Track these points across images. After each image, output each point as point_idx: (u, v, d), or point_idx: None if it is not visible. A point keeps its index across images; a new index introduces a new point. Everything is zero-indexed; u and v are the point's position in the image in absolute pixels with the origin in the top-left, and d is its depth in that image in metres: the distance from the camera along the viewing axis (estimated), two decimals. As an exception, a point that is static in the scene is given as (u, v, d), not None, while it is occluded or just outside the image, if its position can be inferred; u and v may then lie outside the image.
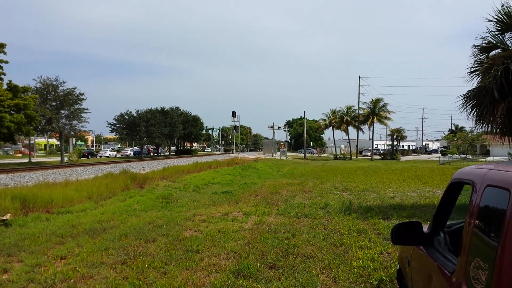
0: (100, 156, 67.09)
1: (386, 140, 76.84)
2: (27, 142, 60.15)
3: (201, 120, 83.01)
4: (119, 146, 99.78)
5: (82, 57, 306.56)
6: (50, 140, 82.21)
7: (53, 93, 39.64)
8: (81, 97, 41.30)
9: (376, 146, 78.37)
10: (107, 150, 77.55)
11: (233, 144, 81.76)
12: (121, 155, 73.13)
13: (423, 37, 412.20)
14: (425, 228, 3.13)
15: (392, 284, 5.08)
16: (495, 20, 10.58)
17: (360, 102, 64.68)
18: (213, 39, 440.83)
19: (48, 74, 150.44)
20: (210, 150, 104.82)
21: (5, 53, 31.55)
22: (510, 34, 10.87)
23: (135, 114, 59.98)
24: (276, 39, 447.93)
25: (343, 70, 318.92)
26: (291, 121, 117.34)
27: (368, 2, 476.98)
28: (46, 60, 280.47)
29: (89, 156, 60.80)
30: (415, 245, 3.11)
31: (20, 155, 65.84)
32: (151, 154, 76.25)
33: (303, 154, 69.49)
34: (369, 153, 62.81)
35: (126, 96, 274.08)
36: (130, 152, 76.53)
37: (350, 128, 65.60)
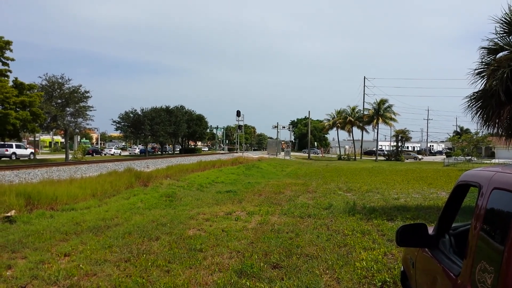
0: (105, 154, 67.34)
1: (390, 141, 76.58)
2: (32, 139, 60.50)
3: (206, 119, 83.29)
4: (123, 144, 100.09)
5: (87, 55, 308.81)
6: (55, 137, 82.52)
7: (58, 90, 39.78)
8: (86, 95, 41.46)
9: (380, 147, 78.11)
10: (112, 148, 77.76)
11: (237, 144, 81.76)
12: (129, 153, 74.11)
13: (429, 38, 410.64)
14: (430, 230, 3.11)
15: (396, 285, 5.05)
16: (502, 21, 10.54)
17: (365, 103, 64.64)
18: (218, 39, 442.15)
19: (54, 71, 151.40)
20: (207, 149, 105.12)
21: (11, 51, 31.86)
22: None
23: (140, 112, 60.01)
24: (281, 40, 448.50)
25: (348, 70, 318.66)
26: (296, 121, 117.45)
27: (373, 2, 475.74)
28: (51, 58, 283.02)
29: (94, 154, 60.99)
30: (420, 247, 3.09)
31: (25, 152, 66.12)
32: (157, 152, 76.65)
33: (307, 154, 69.47)
34: (379, 153, 62.51)
35: (131, 94, 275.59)
36: (137, 150, 77.62)
37: (355, 129, 65.72)
